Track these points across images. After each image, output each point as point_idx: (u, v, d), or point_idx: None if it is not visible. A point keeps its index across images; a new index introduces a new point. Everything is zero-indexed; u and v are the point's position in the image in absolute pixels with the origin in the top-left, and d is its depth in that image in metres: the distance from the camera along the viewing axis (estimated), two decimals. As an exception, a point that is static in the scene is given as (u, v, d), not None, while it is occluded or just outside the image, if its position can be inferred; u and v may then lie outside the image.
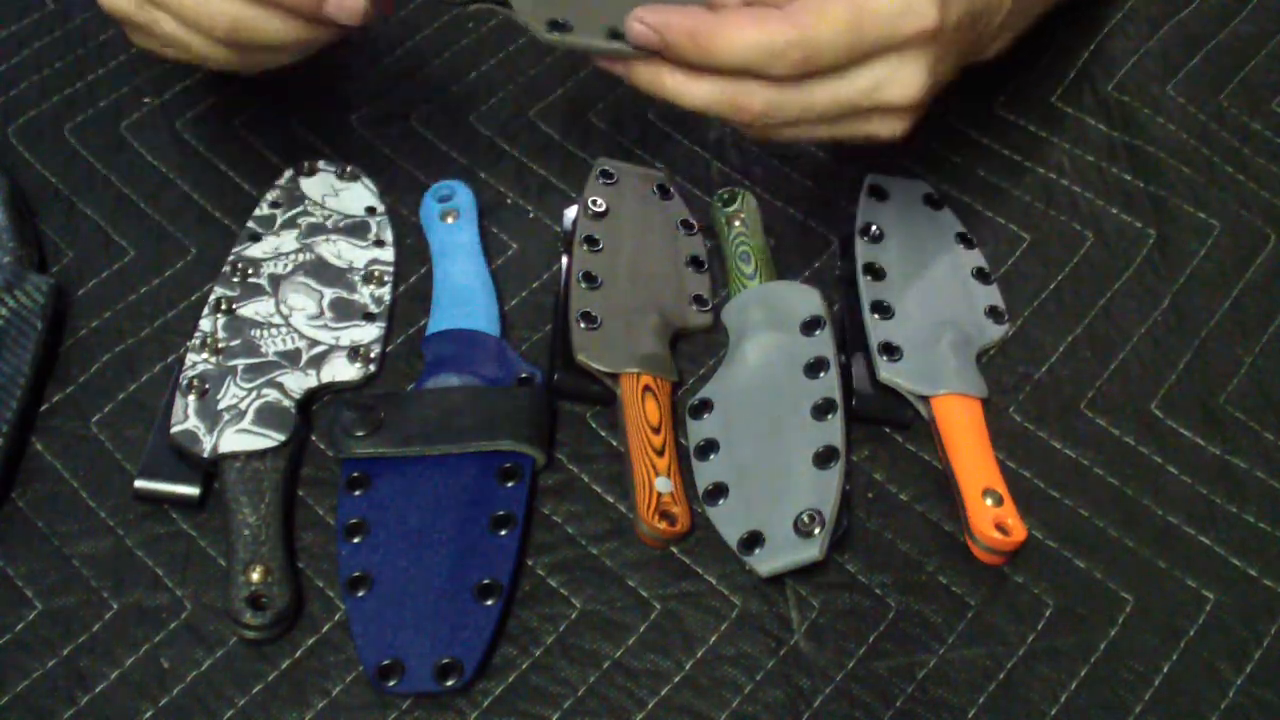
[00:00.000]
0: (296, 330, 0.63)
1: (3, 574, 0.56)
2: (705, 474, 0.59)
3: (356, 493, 0.58)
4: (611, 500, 0.59)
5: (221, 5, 0.56)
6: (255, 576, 0.55)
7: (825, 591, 0.57)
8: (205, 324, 0.62)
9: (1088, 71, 0.78)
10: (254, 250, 0.65)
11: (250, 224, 0.67)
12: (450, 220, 0.67)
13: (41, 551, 0.57)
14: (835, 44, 0.52)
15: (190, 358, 0.61)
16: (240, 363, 0.61)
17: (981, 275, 0.67)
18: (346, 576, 0.55)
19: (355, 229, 0.67)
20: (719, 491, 0.58)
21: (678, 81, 0.54)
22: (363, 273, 0.66)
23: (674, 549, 0.58)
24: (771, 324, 0.63)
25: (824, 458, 0.57)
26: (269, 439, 0.58)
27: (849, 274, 0.66)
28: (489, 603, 0.54)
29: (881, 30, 0.52)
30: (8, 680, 0.53)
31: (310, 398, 0.61)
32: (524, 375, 0.62)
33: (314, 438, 0.61)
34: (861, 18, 0.52)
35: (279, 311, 0.63)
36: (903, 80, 0.54)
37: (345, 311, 0.64)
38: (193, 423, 0.58)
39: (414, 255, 0.68)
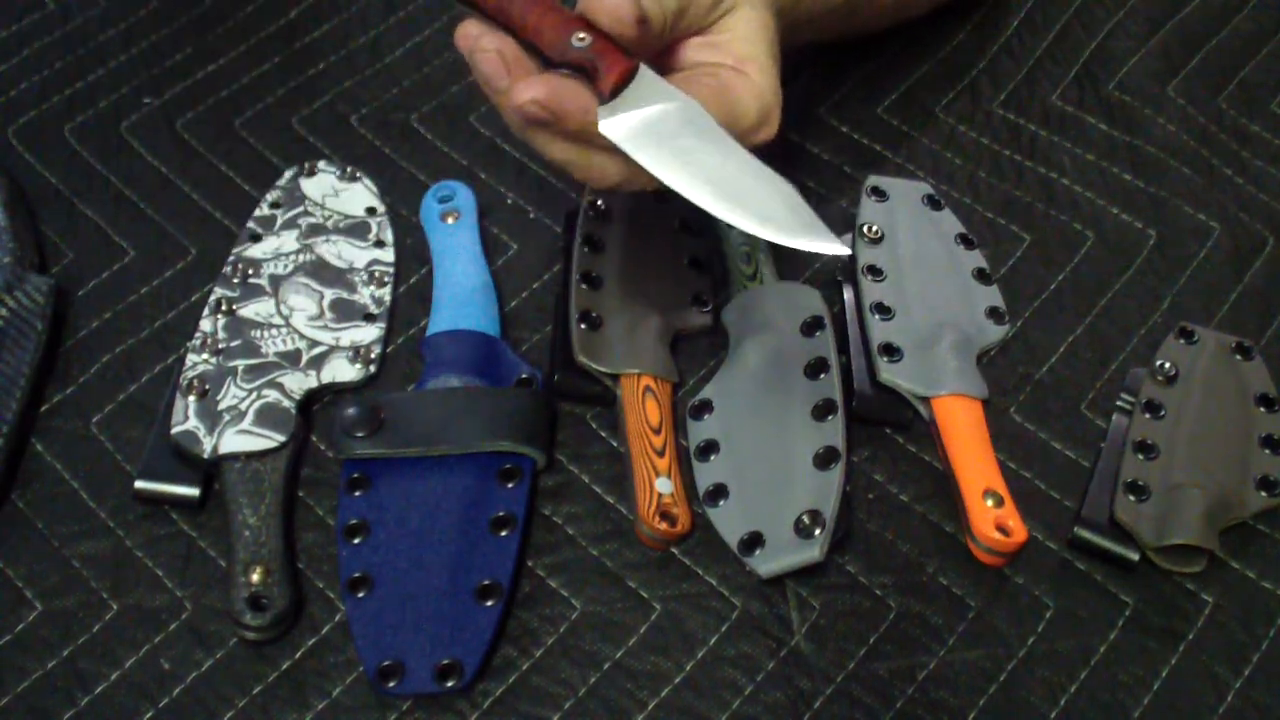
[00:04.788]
0: (297, 331, 0.63)
1: (3, 574, 0.56)
2: (705, 475, 0.59)
3: (357, 493, 0.58)
4: (612, 501, 0.59)
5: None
6: (255, 577, 0.55)
7: (826, 592, 0.57)
8: (205, 324, 0.62)
9: (1088, 71, 0.78)
10: (254, 251, 0.65)
11: (250, 224, 0.67)
12: (450, 220, 0.67)
13: (41, 552, 0.57)
14: None
15: (190, 358, 0.61)
16: (240, 363, 0.61)
17: (981, 275, 0.67)
18: (347, 577, 0.55)
19: (356, 229, 0.67)
20: (719, 492, 0.58)
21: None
22: (363, 273, 0.66)
23: (674, 550, 0.58)
24: (771, 324, 0.63)
25: (824, 459, 0.57)
26: (269, 440, 0.58)
27: (849, 274, 0.66)
28: (489, 604, 0.54)
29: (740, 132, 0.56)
30: (8, 680, 0.53)
31: (310, 398, 0.61)
32: (524, 376, 0.62)
33: (314, 438, 0.61)
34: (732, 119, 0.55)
35: (279, 312, 0.63)
36: None
37: (345, 312, 0.64)
38: (193, 423, 0.58)
39: (414, 255, 0.68)
